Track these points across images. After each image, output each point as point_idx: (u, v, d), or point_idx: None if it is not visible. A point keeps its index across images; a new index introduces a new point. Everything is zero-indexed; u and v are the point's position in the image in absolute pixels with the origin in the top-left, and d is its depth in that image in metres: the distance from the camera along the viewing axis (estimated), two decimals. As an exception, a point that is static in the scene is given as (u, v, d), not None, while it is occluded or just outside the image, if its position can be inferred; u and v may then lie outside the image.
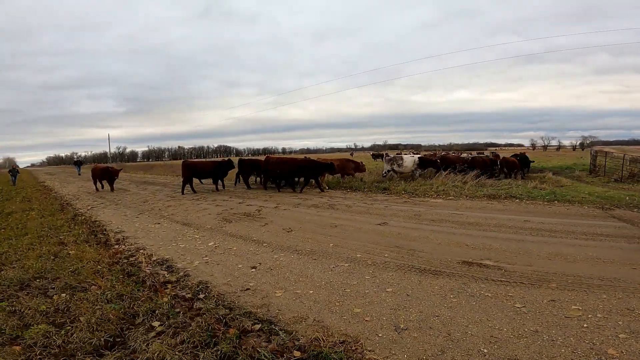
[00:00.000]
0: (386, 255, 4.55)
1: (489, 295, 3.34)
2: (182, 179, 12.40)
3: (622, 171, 15.49)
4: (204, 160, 13.93)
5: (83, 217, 7.81)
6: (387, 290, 3.53)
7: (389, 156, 14.11)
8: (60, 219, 7.63)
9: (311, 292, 3.55)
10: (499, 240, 5.00)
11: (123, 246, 5.40)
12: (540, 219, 6.34)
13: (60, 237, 5.98)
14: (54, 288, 3.69)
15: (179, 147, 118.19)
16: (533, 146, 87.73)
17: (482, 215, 6.82)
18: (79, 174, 30.22)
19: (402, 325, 2.87)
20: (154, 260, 4.63)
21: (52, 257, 4.76)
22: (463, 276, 3.79)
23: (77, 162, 38.13)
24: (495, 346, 2.55)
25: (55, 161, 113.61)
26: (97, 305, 3.16)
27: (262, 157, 13.54)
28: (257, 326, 2.85)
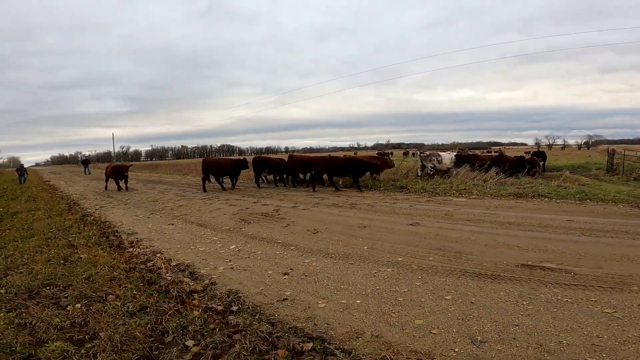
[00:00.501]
0: (431, 258, 4.11)
1: (569, 300, 2.93)
2: (202, 177, 12.04)
3: None
4: (223, 158, 13.39)
5: (92, 218, 7.42)
6: (446, 297, 3.11)
7: (424, 154, 13.57)
8: (69, 219, 7.23)
9: (358, 301, 3.13)
10: (552, 242, 4.55)
11: (138, 249, 4.98)
12: (584, 219, 5.88)
13: (70, 239, 5.57)
14: (66, 297, 3.28)
15: (182, 146, 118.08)
16: (538, 145, 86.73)
17: (519, 215, 6.36)
18: (89, 173, 28.87)
19: (478, 338, 2.46)
20: (174, 266, 4.21)
21: (62, 262, 4.36)
22: (528, 280, 3.36)
23: (85, 161, 35.53)
24: (603, 354, 2.20)
25: (60, 160, 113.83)
26: (118, 319, 2.75)
27: (271, 156, 13.12)
28: (309, 345, 2.42)
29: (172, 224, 6.64)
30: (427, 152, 13.73)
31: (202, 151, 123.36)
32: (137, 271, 3.98)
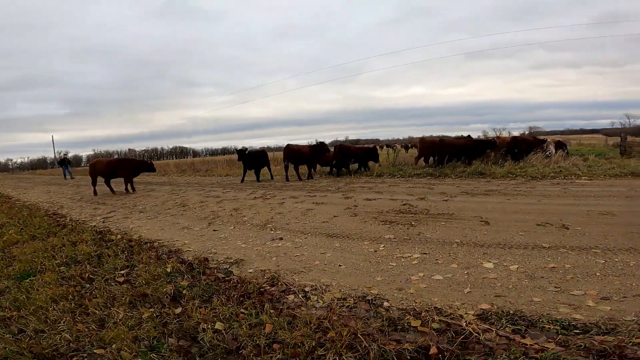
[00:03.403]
0: None
1: None
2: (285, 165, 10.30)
3: None
4: (304, 145, 10.80)
5: (117, 237, 4.43)
6: None
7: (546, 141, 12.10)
8: (72, 240, 4.21)
9: None
10: None
11: (296, 298, 2.40)
12: None
13: (119, 280, 2.77)
14: None
15: (129, 149, 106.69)
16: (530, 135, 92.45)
17: None
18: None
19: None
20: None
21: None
22: None
23: (64, 161, 22.66)
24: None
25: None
26: None
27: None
28: None
29: (281, 239, 4.00)
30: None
31: (151, 154, 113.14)
32: None
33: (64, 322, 2.22)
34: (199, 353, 1.85)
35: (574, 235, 3.45)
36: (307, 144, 11.14)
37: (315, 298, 2.41)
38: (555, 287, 2.36)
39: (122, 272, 3.10)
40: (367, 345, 1.72)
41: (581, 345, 1.62)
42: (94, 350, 1.92)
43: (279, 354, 1.75)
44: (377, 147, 13.71)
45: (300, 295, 2.47)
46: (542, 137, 12.72)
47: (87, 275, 3.07)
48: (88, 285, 2.86)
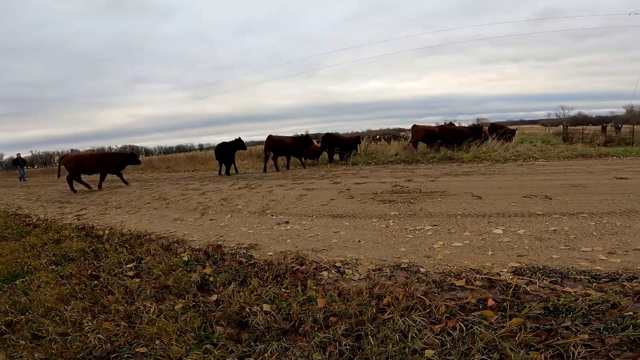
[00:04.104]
0: None
1: None
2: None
3: (599, 138, 16.51)
4: (287, 136, 10.56)
5: (109, 233, 4.09)
6: None
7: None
8: (53, 238, 3.81)
9: None
10: None
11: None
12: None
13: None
14: None
15: (71, 150, 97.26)
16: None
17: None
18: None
19: None
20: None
21: None
22: None
23: (18, 161, 20.32)
24: None
25: None
26: None
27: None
28: None
29: (287, 222, 3.94)
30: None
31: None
32: None
33: (86, 322, 2.03)
34: (253, 337, 1.79)
35: (559, 204, 3.79)
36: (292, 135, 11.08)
37: (350, 272, 2.43)
38: (566, 246, 2.59)
39: (130, 265, 2.89)
40: (430, 303, 1.78)
41: (617, 290, 1.81)
42: (136, 349, 1.78)
43: (343, 324, 1.75)
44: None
45: (333, 271, 2.47)
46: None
47: (89, 272, 2.83)
48: (95, 282, 2.63)
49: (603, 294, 1.78)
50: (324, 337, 1.66)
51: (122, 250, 3.25)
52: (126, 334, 1.90)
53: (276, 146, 9.68)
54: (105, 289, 2.49)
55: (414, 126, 12.46)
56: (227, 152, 10.19)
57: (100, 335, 1.87)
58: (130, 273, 2.76)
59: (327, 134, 11.40)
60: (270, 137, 9.73)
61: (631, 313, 1.55)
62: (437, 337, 1.54)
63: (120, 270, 2.80)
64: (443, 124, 12.59)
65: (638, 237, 2.63)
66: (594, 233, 2.83)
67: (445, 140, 11.11)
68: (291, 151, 10.12)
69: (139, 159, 9.76)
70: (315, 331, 1.75)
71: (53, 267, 3.00)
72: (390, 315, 1.74)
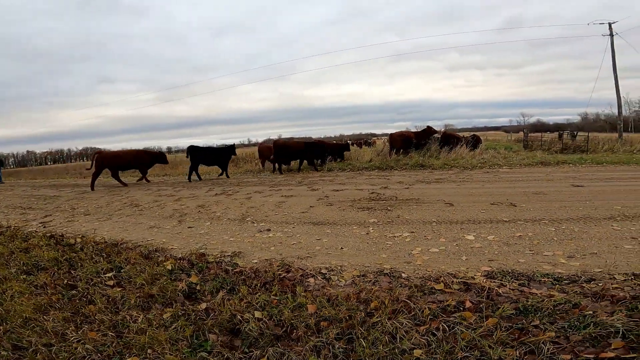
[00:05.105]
0: None
1: None
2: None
3: (556, 145, 17.86)
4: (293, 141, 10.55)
5: (80, 241, 3.91)
6: None
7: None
8: (20, 247, 3.60)
9: None
10: None
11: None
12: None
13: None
14: None
15: (27, 151, 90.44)
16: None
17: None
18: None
19: None
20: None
21: None
22: None
23: None
24: None
25: None
26: None
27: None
28: None
29: (269, 230, 3.98)
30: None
31: (56, 156, 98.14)
32: None
33: (70, 333, 1.98)
34: (247, 344, 1.83)
35: (523, 211, 4.11)
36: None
37: (336, 278, 2.53)
38: (530, 250, 2.84)
39: (109, 274, 2.81)
40: (414, 306, 1.91)
41: (577, 291, 2.04)
42: (127, 359, 1.77)
43: (334, 328, 1.84)
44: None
45: (319, 278, 2.56)
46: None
47: (64, 281, 2.73)
48: (74, 291, 2.55)
49: (565, 294, 2.00)
50: (317, 341, 1.73)
51: (98, 259, 3.15)
52: (115, 344, 1.87)
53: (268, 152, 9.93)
54: (84, 299, 2.42)
55: (391, 135, 12.91)
56: (223, 157, 10.50)
57: (87, 346, 1.83)
58: (111, 282, 2.69)
59: (318, 142, 11.86)
60: (261, 145, 9.94)
61: (591, 312, 1.76)
62: (424, 337, 1.67)
63: (99, 279, 2.72)
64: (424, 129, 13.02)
65: (594, 242, 2.94)
66: (555, 238, 3.11)
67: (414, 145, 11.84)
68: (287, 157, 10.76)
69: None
70: (309, 336, 1.82)
71: (24, 276, 2.86)
72: (379, 319, 1.85)
